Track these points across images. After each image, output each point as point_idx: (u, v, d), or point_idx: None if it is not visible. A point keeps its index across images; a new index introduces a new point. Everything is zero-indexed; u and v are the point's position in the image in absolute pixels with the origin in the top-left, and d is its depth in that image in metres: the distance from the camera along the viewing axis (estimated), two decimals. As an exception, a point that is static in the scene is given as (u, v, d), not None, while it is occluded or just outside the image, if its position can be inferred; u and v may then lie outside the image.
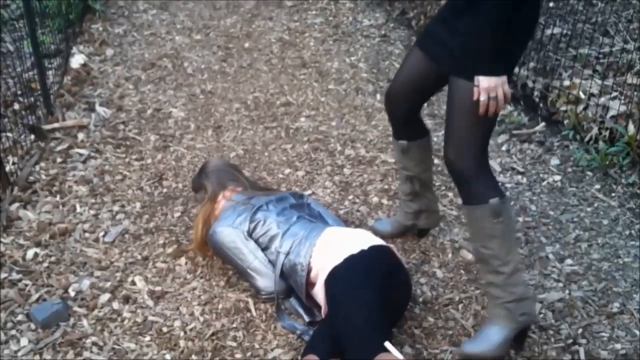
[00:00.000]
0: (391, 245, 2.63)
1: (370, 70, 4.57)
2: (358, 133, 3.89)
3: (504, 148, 3.79)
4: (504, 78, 2.18)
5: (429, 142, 2.83)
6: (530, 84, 4.10)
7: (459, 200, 3.29)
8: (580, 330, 2.61)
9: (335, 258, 2.48)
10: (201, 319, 2.61)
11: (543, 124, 3.96)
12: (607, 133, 3.64)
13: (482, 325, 2.46)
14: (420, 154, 2.81)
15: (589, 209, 3.30)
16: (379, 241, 2.60)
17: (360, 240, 2.55)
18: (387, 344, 2.17)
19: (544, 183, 3.51)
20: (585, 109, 3.81)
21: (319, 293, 2.52)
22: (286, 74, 4.60)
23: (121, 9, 5.59)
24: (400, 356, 2.14)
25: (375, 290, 2.35)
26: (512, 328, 2.37)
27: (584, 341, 2.56)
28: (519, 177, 3.55)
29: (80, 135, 3.82)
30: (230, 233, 2.74)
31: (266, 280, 2.68)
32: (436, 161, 3.63)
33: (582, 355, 2.49)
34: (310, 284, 2.59)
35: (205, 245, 2.86)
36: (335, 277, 2.44)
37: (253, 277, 2.70)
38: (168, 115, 4.10)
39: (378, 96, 4.27)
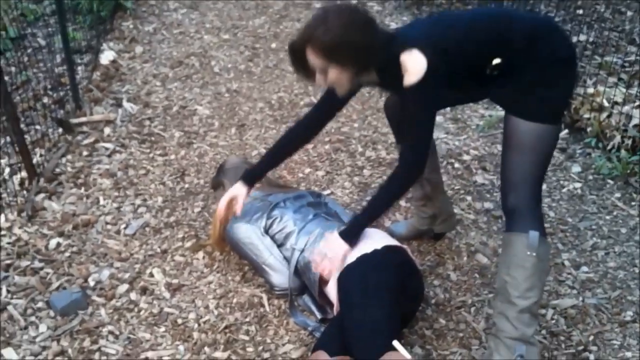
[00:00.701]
0: (405, 246, 2.65)
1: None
2: (380, 135, 3.92)
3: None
4: None
5: (433, 144, 2.83)
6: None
7: (477, 205, 3.31)
8: (591, 338, 2.60)
9: (348, 256, 2.51)
10: (215, 312, 2.66)
11: (566, 131, 3.95)
12: (629, 142, 3.63)
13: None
14: None
15: (607, 217, 3.29)
16: (393, 241, 2.62)
17: (375, 239, 2.58)
18: (396, 343, 2.19)
19: (564, 190, 3.50)
20: (608, 117, 3.79)
21: (332, 291, 2.56)
22: (311, 75, 4.64)
23: (152, 7, 5.69)
24: (408, 356, 2.16)
25: (387, 290, 2.38)
26: None
27: (594, 348, 2.56)
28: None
29: (107, 130, 3.90)
30: (247, 229, 2.78)
31: (280, 277, 2.72)
32: (456, 165, 3.65)
33: (593, 363, 2.50)
34: (323, 282, 2.62)
35: (223, 240, 2.91)
36: (348, 275, 2.47)
37: (268, 273, 2.74)
38: (193, 113, 4.16)
39: (401, 99, 4.28)
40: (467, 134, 3.97)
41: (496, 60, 2.25)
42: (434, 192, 2.91)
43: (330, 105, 2.66)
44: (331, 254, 2.48)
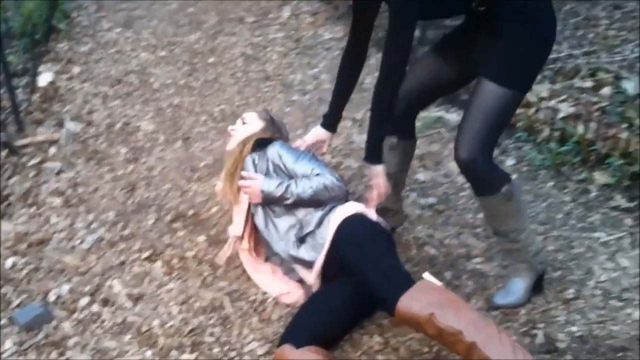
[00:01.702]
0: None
1: (332, 81, 4.71)
2: (323, 140, 4.04)
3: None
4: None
5: (413, 147, 3.05)
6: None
7: (422, 200, 3.47)
8: (538, 316, 2.77)
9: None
10: (179, 317, 2.72)
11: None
12: (558, 134, 3.85)
13: (507, 281, 2.81)
14: (404, 155, 3.00)
15: (543, 205, 3.49)
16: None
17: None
18: (426, 274, 2.42)
19: (501, 182, 3.69)
20: (537, 111, 4.02)
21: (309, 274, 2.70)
22: (251, 86, 4.74)
23: (85, 28, 5.68)
24: (439, 283, 2.38)
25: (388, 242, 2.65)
26: (532, 277, 2.76)
27: (542, 325, 2.72)
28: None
29: (52, 150, 3.90)
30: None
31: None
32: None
33: (541, 339, 2.65)
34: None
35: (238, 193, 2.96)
36: (350, 224, 2.63)
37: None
38: (137, 129, 4.20)
39: (341, 105, 4.42)
40: (406, 135, 4.13)
41: None
42: (395, 189, 3.02)
43: (359, 36, 2.79)
44: (374, 182, 2.66)
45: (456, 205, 3.48)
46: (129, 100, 4.55)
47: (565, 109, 3.88)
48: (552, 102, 3.99)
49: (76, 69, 4.94)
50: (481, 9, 2.46)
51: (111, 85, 4.72)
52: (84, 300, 2.79)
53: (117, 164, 3.81)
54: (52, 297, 2.80)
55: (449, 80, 2.78)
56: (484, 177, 2.61)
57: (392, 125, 2.88)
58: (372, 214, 2.70)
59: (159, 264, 3.03)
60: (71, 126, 4.17)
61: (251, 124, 3.09)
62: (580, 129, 3.76)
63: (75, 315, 2.71)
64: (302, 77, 4.83)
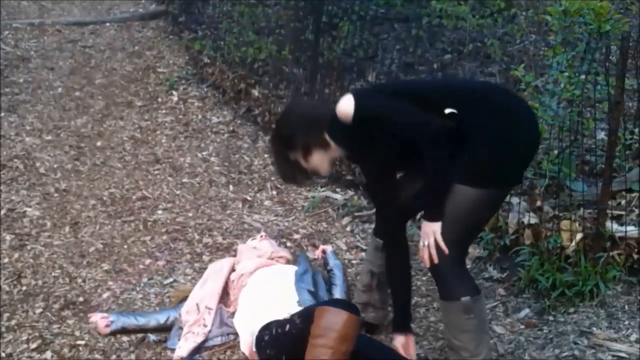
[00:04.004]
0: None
1: (222, 164, 4.87)
2: (214, 222, 4.14)
3: (348, 229, 4.16)
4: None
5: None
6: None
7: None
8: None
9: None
10: (71, 408, 2.68)
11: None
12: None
13: None
14: None
15: (424, 278, 3.68)
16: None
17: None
18: None
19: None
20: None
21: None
22: (140, 169, 4.79)
23: (-34, 112, 5.57)
24: None
25: None
26: None
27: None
28: (363, 254, 3.91)
29: None
30: None
31: None
32: (288, 244, 3.94)
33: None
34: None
35: None
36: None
37: None
38: (23, 215, 4.14)
39: (231, 187, 4.56)
40: (294, 214, 4.30)
41: (449, 110, 2.45)
42: (380, 287, 3.04)
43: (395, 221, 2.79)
44: (429, 240, 2.50)
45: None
46: (13, 186, 4.49)
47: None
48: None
49: (-44, 155, 4.83)
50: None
51: (-5, 171, 4.64)
52: (-31, 396, 2.70)
53: (2, 251, 3.73)
54: None
55: None
56: (445, 279, 2.57)
57: (382, 231, 2.90)
58: None
59: (48, 354, 2.98)
60: (-48, 214, 4.06)
61: None
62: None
63: (-41, 413, 2.62)
64: (192, 160, 4.93)
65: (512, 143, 2.48)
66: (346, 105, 2.53)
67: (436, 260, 2.51)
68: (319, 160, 2.68)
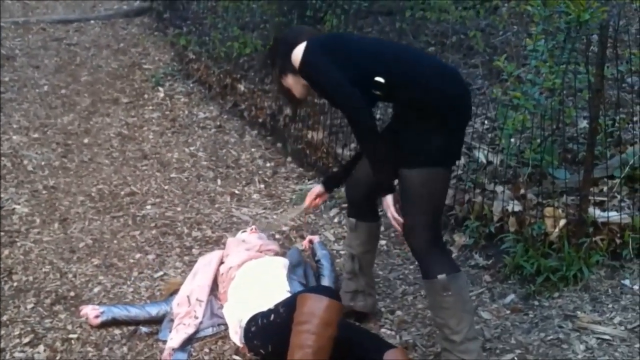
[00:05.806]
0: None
1: (210, 159, 4.91)
2: (203, 216, 4.17)
3: (335, 220, 4.20)
4: None
5: (377, 228, 3.14)
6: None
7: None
8: (411, 370, 2.98)
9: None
10: (65, 400, 2.71)
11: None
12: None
13: None
14: (366, 236, 3.08)
15: (411, 267, 3.75)
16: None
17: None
18: None
19: (373, 248, 3.94)
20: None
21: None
22: (128, 165, 4.81)
23: (-48, 111, 5.56)
24: None
25: None
26: None
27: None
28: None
29: None
30: None
31: None
32: (277, 236, 3.98)
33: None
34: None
35: None
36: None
37: None
38: (12, 212, 4.15)
39: (219, 181, 4.59)
40: (282, 207, 4.34)
41: (379, 78, 2.57)
42: (362, 270, 3.11)
43: None
44: (389, 213, 2.70)
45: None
46: (2, 184, 4.50)
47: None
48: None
49: (-57, 154, 4.83)
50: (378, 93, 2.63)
51: (-18, 169, 4.65)
52: (-37, 391, 2.73)
53: (-9, 249, 3.75)
54: None
55: None
56: (422, 259, 2.70)
57: (352, 208, 3.05)
58: None
59: (41, 348, 3.01)
60: (-60, 212, 4.07)
61: None
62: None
63: (-46, 407, 2.65)
64: (180, 155, 4.96)
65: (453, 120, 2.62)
66: (297, 53, 2.70)
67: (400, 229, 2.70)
68: (293, 83, 2.82)
